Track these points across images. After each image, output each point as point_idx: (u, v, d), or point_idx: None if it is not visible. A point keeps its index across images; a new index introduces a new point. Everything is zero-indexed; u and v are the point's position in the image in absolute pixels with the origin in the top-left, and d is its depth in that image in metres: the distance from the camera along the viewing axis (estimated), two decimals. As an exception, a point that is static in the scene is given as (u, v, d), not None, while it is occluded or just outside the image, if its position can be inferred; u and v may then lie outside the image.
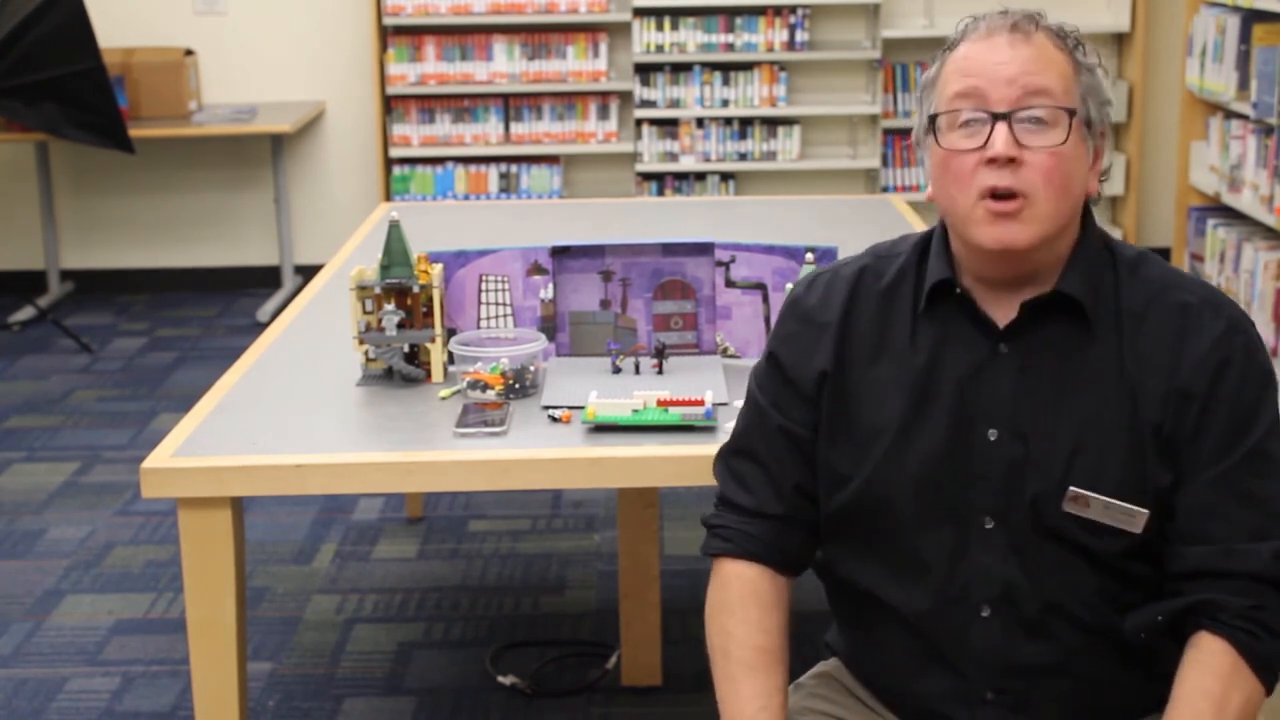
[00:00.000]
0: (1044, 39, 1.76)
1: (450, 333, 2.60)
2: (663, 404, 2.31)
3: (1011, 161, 1.72)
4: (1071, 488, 1.74)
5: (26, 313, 6.27)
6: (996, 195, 1.73)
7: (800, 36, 6.36)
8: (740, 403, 2.34)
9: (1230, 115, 5.39)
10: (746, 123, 6.48)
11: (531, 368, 2.49)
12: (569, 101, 6.48)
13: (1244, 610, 1.72)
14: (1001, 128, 1.72)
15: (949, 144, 1.76)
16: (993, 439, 1.78)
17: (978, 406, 1.79)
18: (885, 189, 6.49)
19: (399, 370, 2.54)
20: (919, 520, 1.80)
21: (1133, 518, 1.74)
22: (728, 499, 1.93)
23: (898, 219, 3.66)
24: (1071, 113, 1.73)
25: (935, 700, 1.83)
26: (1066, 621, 1.78)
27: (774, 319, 2.58)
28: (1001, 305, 1.80)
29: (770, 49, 6.37)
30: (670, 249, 2.64)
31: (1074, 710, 1.80)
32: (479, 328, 2.64)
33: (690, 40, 6.38)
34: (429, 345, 2.55)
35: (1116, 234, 6.51)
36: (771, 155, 6.49)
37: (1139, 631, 1.77)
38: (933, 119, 1.78)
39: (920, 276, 1.85)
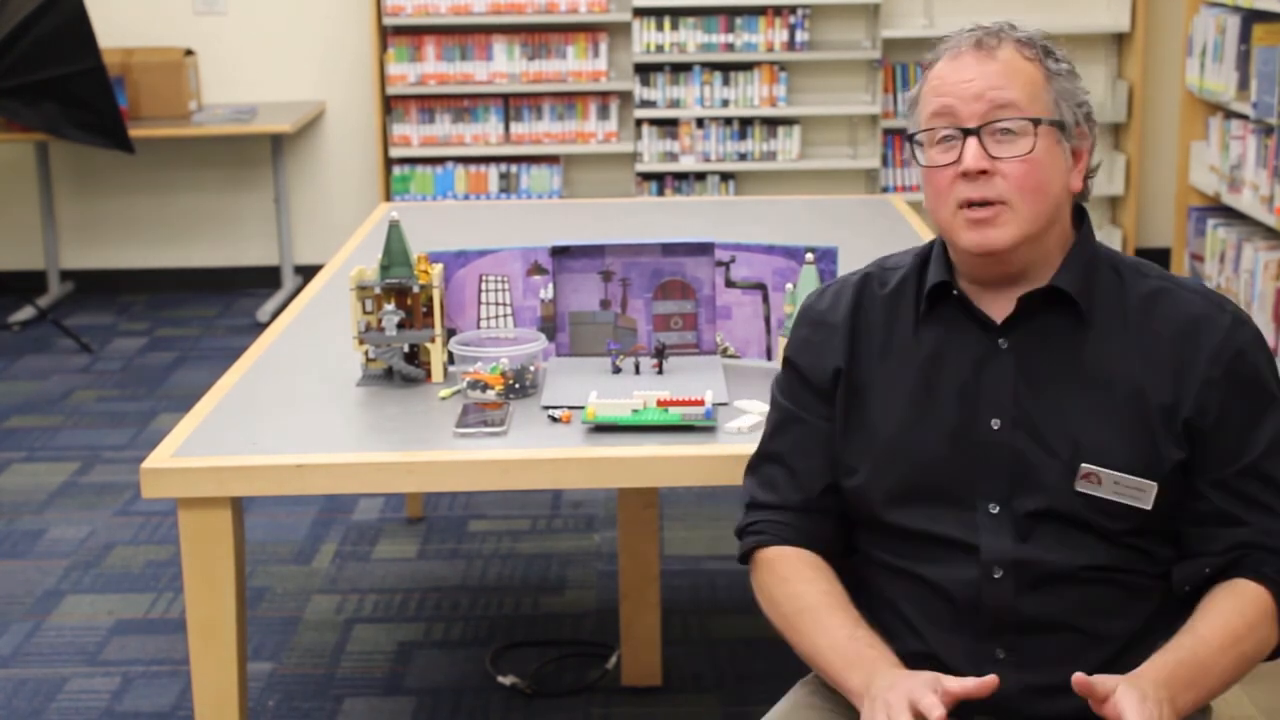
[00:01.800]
0: (1010, 52, 1.84)
1: (450, 333, 2.60)
2: (663, 404, 2.31)
3: (984, 174, 1.82)
4: (1083, 464, 1.81)
5: (26, 313, 6.26)
6: (973, 204, 1.83)
7: (800, 36, 6.36)
8: (740, 403, 2.37)
9: (1230, 115, 5.39)
10: (746, 123, 6.48)
11: (531, 368, 2.49)
12: (569, 101, 6.47)
13: None
14: (972, 143, 1.82)
15: (928, 160, 1.87)
16: (996, 428, 1.85)
17: (981, 398, 1.87)
18: (885, 189, 6.48)
19: (399, 370, 2.54)
20: (925, 507, 1.87)
21: (1142, 492, 1.81)
22: (756, 500, 2.00)
23: (898, 219, 3.66)
24: (1037, 122, 1.82)
25: (946, 660, 1.86)
26: (1077, 582, 1.83)
27: (774, 319, 2.59)
28: (999, 303, 1.89)
29: (770, 49, 6.37)
30: (670, 249, 2.64)
31: (1083, 667, 1.81)
32: (479, 328, 2.64)
33: (690, 40, 6.38)
34: (429, 345, 2.55)
35: (1116, 234, 6.52)
36: (771, 155, 6.49)
37: (1184, 585, 1.85)
38: (913, 138, 1.89)
39: (921, 282, 1.94)
